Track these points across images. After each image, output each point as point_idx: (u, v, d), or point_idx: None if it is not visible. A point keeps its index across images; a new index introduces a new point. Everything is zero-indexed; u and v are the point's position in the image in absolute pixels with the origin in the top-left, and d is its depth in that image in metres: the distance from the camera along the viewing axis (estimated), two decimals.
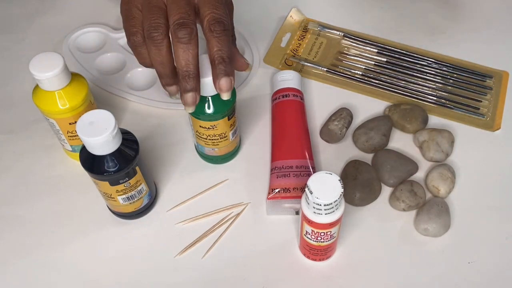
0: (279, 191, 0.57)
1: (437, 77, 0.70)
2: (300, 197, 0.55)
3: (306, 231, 0.52)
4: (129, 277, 0.56)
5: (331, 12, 0.78)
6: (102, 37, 0.75)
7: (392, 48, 0.73)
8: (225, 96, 0.52)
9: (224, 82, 0.51)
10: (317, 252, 0.54)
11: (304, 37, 0.75)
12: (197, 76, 0.51)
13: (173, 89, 0.53)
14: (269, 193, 0.58)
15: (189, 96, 0.51)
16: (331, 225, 0.50)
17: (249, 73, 0.71)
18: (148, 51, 0.51)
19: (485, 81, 0.70)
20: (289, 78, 0.66)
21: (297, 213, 0.59)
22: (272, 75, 0.70)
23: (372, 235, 0.58)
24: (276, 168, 0.59)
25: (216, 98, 0.55)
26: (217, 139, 0.59)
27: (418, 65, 0.72)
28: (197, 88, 0.51)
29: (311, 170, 0.59)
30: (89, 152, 0.51)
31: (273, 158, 0.61)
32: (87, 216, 0.60)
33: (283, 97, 0.64)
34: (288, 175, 0.58)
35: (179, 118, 0.67)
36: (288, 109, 0.64)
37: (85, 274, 0.56)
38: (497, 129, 0.66)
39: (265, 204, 0.60)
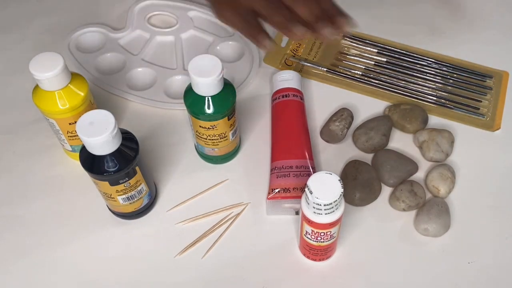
0: (279, 191, 0.57)
1: (437, 77, 0.70)
2: (300, 197, 0.55)
3: (306, 231, 0.52)
4: (129, 277, 0.56)
5: None
6: (102, 37, 0.75)
7: (392, 48, 0.73)
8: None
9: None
10: (317, 252, 0.54)
11: None
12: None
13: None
14: (269, 193, 0.58)
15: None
16: (331, 225, 0.50)
17: (249, 73, 0.71)
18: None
19: (485, 81, 0.70)
20: (288, 78, 0.66)
21: (297, 213, 0.59)
22: (272, 75, 0.69)
23: (372, 235, 0.58)
24: (276, 168, 0.59)
25: (216, 98, 0.55)
26: (217, 139, 0.59)
27: (418, 65, 0.72)
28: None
29: (311, 170, 0.59)
30: (89, 152, 0.51)
31: (273, 158, 0.61)
32: (87, 216, 0.60)
33: (283, 97, 0.64)
34: (288, 175, 0.58)
35: (179, 118, 0.67)
36: (288, 109, 0.64)
37: (85, 274, 0.56)
38: (497, 129, 0.66)
39: (265, 204, 0.60)
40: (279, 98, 0.65)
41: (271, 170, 0.60)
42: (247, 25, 0.59)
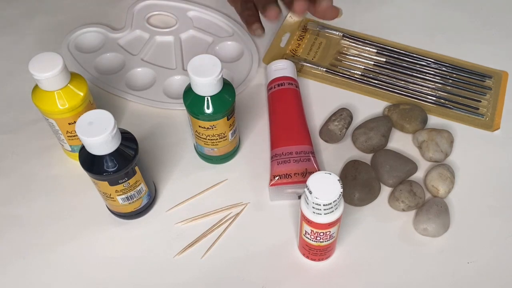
0: (279, 178, 0.58)
1: (437, 77, 0.71)
2: (301, 182, 0.56)
3: (306, 231, 0.52)
4: (128, 277, 0.56)
5: None
6: (102, 37, 0.75)
7: (392, 48, 0.73)
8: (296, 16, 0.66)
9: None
10: (316, 252, 0.54)
11: (303, 37, 0.75)
12: None
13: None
14: (270, 180, 0.58)
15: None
16: (330, 225, 0.50)
17: (248, 73, 0.71)
18: None
19: (484, 81, 0.70)
20: (283, 67, 0.67)
21: (299, 197, 0.59)
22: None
23: (372, 235, 0.58)
24: (276, 155, 0.60)
25: (216, 98, 0.55)
26: (216, 139, 0.59)
27: (417, 65, 0.72)
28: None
29: (311, 155, 0.59)
30: (88, 152, 0.51)
31: (273, 146, 0.61)
32: (86, 216, 0.60)
33: (278, 86, 0.65)
34: (289, 161, 0.59)
35: (179, 118, 0.67)
36: (284, 97, 0.64)
37: (85, 274, 0.56)
38: (496, 129, 0.66)
39: (264, 205, 0.60)
40: (274, 87, 0.65)
41: (272, 157, 0.61)
42: (245, 11, 0.66)
